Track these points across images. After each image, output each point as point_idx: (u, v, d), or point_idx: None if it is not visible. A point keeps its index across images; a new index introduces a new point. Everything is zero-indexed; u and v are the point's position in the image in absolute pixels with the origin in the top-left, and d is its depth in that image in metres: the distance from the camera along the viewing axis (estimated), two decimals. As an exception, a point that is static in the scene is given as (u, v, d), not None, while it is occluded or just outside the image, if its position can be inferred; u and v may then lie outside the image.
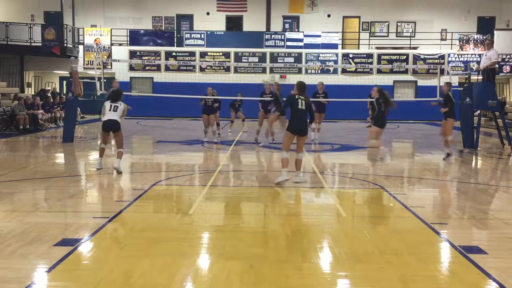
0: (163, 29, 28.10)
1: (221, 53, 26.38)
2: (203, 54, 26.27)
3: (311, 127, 13.07)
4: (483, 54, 16.27)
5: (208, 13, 28.20)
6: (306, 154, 11.83)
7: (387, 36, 27.99)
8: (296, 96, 7.80)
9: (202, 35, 26.62)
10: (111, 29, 26.53)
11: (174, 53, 26.32)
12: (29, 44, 24.52)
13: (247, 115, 17.56)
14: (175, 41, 27.62)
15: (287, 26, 28.57)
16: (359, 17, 28.35)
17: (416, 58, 26.18)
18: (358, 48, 27.41)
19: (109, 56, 26.04)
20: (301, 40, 26.61)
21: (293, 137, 7.82)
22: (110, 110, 8.92)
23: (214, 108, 13.84)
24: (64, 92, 22.59)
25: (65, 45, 24.56)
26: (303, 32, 27.16)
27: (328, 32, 26.76)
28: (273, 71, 26.13)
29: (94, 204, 6.78)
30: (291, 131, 7.77)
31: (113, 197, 7.26)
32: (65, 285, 3.85)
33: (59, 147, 12.91)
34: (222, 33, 27.29)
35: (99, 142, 10.28)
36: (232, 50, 26.26)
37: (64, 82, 25.33)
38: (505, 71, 24.57)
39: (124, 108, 9.13)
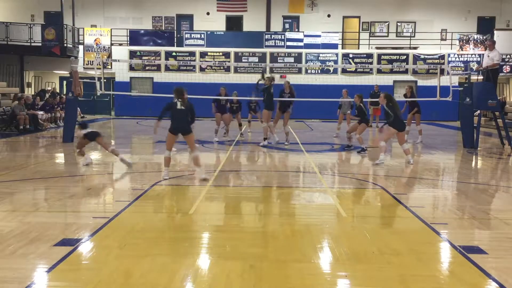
0: (163, 29, 28.09)
1: (221, 53, 26.36)
2: (203, 54, 26.26)
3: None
4: (484, 54, 16.24)
5: (208, 13, 28.21)
6: (306, 154, 11.84)
7: (387, 36, 27.98)
8: (175, 100, 8.42)
9: (202, 35, 26.60)
10: (111, 29, 26.52)
11: (174, 53, 26.31)
12: (29, 44, 24.54)
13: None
14: (175, 41, 27.61)
15: (287, 26, 28.57)
16: (359, 17, 28.35)
17: (416, 58, 26.17)
18: (358, 48, 27.40)
19: (109, 56, 26.04)
20: (301, 40, 26.61)
21: (173, 137, 8.35)
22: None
23: (227, 108, 14.56)
24: (64, 92, 22.58)
25: (65, 45, 24.56)
26: (303, 32, 27.15)
27: (328, 32, 26.75)
28: (273, 71, 26.13)
29: (94, 204, 6.77)
30: (170, 131, 8.32)
31: (113, 197, 7.25)
32: (65, 285, 3.85)
33: (59, 147, 12.90)
34: (222, 33, 27.27)
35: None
36: (232, 50, 26.25)
37: (64, 82, 25.31)
38: (505, 71, 24.57)
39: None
